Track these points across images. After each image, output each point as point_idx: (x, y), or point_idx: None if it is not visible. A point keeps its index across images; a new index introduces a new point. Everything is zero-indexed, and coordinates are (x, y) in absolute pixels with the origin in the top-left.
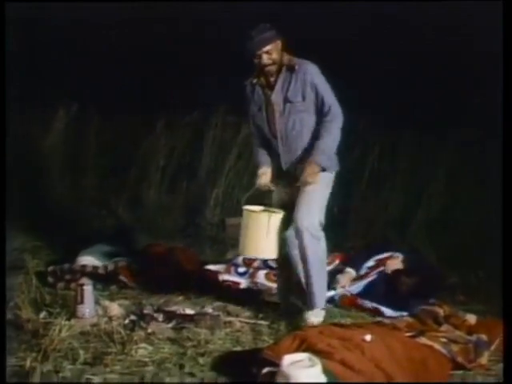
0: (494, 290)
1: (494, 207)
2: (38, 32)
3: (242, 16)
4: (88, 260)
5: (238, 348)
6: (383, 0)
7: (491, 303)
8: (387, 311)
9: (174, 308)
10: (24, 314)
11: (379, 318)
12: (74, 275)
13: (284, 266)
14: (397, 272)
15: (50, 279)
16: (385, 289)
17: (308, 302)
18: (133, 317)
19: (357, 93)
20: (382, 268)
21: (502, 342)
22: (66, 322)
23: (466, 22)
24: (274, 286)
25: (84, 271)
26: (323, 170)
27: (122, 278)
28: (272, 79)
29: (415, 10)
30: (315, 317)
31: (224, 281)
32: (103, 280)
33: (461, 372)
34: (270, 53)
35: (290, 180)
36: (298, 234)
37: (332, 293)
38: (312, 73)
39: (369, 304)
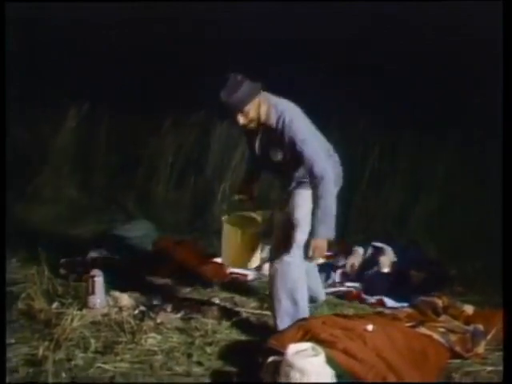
0: (490, 282)
1: (491, 203)
2: (38, 32)
3: (242, 16)
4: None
5: (244, 338)
6: (383, 0)
7: (488, 294)
8: (389, 302)
9: (182, 299)
10: (37, 304)
11: (380, 309)
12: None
13: None
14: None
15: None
16: (392, 284)
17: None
18: (142, 307)
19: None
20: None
21: (497, 331)
22: (78, 312)
23: (466, 22)
24: None
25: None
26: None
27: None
28: (252, 136)
29: (415, 10)
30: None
31: (231, 273)
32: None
33: (458, 361)
34: (247, 113)
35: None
36: (271, 253)
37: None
38: (292, 130)
39: (372, 299)
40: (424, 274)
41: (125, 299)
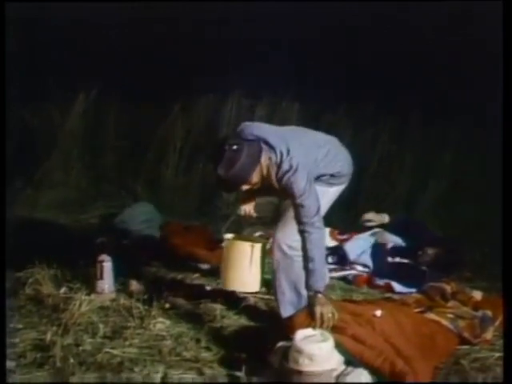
0: (498, 268)
1: (498, 187)
2: (38, 32)
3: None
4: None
5: (253, 323)
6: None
7: (496, 280)
8: (398, 287)
9: (190, 284)
10: (45, 289)
11: (388, 295)
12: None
13: None
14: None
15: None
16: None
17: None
18: (151, 292)
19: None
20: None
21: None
22: (86, 297)
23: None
24: None
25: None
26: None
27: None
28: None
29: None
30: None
31: None
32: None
33: (467, 347)
34: (249, 181)
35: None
36: (274, 246)
37: (346, 273)
38: (293, 187)
39: (381, 281)
40: (438, 251)
41: (133, 284)
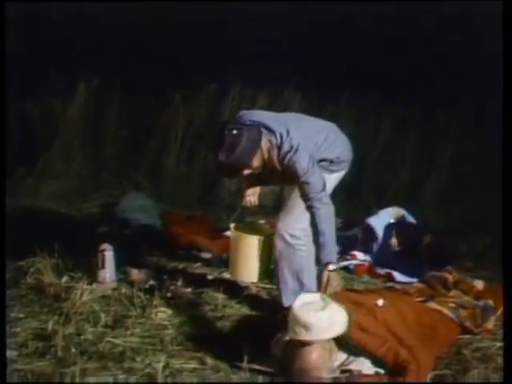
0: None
1: (499, 178)
2: (38, 32)
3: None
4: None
5: (254, 312)
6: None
7: (497, 269)
8: (398, 276)
9: (192, 273)
10: (46, 278)
11: (390, 284)
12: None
13: None
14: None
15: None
16: (403, 250)
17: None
18: (152, 282)
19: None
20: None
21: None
22: (88, 287)
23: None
24: None
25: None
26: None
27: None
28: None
29: None
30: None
31: None
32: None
33: (468, 336)
34: (250, 166)
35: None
36: (276, 236)
37: (347, 263)
38: (295, 166)
39: (382, 271)
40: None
41: (135, 273)
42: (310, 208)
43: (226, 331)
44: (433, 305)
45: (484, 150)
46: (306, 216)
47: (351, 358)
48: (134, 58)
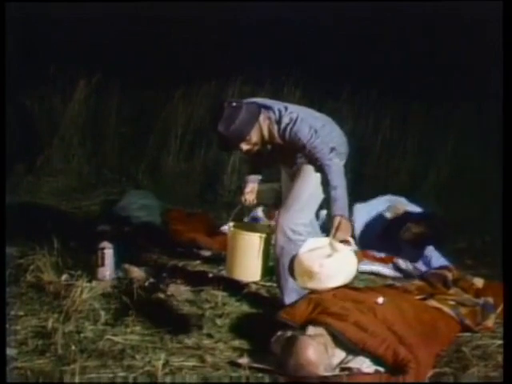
0: (499, 255)
1: (499, 175)
2: (38, 32)
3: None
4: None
5: (254, 310)
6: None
7: (497, 267)
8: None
9: (192, 271)
10: (46, 276)
11: (390, 282)
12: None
13: None
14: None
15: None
16: (384, 232)
17: (280, 294)
18: (152, 279)
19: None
20: None
21: None
22: (88, 284)
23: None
24: None
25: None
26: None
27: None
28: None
29: None
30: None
31: None
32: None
33: (468, 334)
34: (249, 140)
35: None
36: (277, 231)
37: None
38: (298, 139)
39: (378, 254)
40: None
41: (135, 271)
42: (320, 168)
43: (225, 329)
44: (432, 302)
45: (484, 146)
46: (308, 211)
47: (350, 356)
48: (133, 56)
